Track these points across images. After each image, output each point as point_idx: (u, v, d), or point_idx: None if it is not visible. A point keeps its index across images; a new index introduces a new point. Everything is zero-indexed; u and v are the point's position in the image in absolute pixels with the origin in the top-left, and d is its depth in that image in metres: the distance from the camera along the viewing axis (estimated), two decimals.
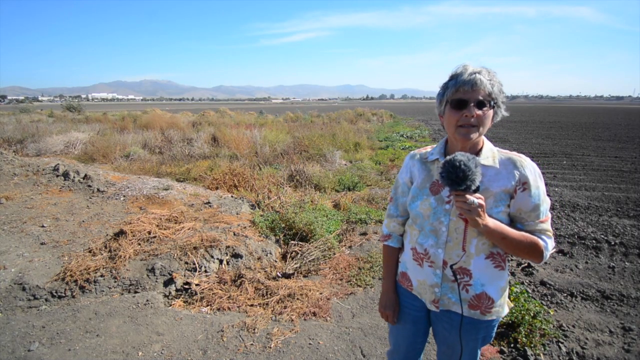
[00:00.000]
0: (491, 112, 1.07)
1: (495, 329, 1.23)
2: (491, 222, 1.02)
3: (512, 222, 1.11)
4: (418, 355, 1.40)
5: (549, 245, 1.07)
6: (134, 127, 14.24)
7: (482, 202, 0.98)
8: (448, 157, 0.97)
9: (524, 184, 1.06)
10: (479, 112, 1.03)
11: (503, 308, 1.17)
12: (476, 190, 0.98)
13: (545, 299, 2.91)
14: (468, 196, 0.97)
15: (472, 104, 1.03)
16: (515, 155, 1.11)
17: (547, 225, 1.08)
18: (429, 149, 1.28)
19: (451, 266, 1.12)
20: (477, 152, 1.12)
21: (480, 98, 1.03)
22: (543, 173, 7.56)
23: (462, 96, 1.04)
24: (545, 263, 3.54)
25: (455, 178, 0.94)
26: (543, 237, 1.07)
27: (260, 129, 11.48)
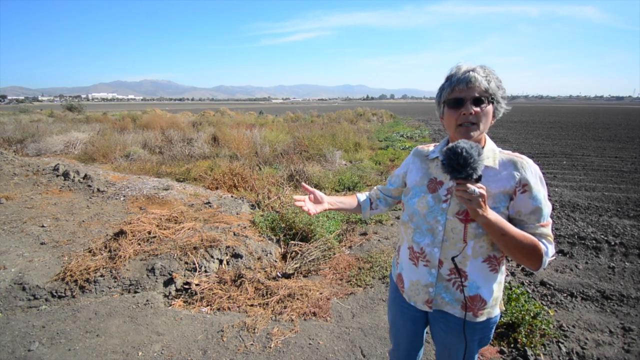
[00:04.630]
0: (490, 108, 1.05)
1: (493, 330, 1.22)
2: (492, 215, 0.98)
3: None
4: (417, 350, 1.42)
5: (550, 250, 1.03)
6: (134, 127, 14.25)
7: (483, 191, 0.94)
8: (450, 144, 0.94)
9: (525, 186, 1.03)
10: (477, 109, 1.02)
11: (494, 309, 1.16)
12: (478, 180, 0.94)
13: (545, 299, 2.91)
14: (469, 185, 0.93)
15: (469, 102, 1.02)
16: (517, 156, 1.08)
17: (548, 230, 1.04)
18: (431, 147, 1.28)
19: (452, 258, 1.10)
20: None
21: (477, 95, 1.02)
22: (543, 173, 7.62)
23: (458, 95, 1.04)
24: None
25: (456, 165, 0.91)
26: (543, 241, 1.03)
27: (260, 129, 11.48)
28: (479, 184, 0.95)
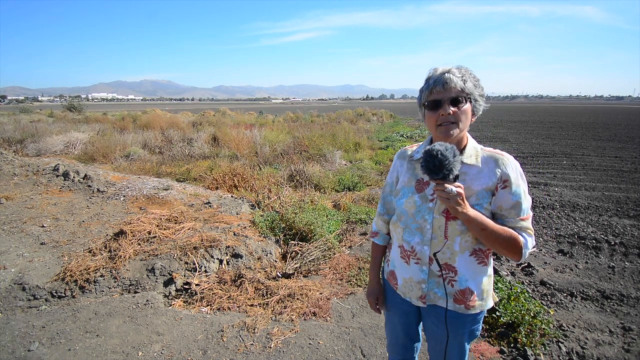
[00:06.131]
0: (468, 106, 1.09)
1: (481, 323, 1.25)
2: (471, 212, 1.04)
3: (494, 219, 1.12)
4: (414, 343, 1.45)
5: (529, 243, 1.08)
6: (134, 127, 14.26)
7: (461, 190, 1.01)
8: (427, 147, 1.01)
9: (505, 182, 1.08)
10: (454, 109, 1.07)
11: (486, 302, 1.19)
12: (456, 179, 1.01)
13: (545, 298, 2.91)
14: (447, 185, 1.00)
15: (446, 103, 1.07)
16: (498, 153, 1.13)
17: (528, 224, 1.10)
18: (415, 147, 1.31)
19: (434, 254, 1.14)
20: (461, 150, 1.15)
21: (454, 95, 1.07)
22: (543, 173, 7.52)
23: (435, 97, 1.08)
24: (545, 263, 3.54)
25: (433, 167, 0.98)
26: (523, 234, 1.08)
27: (260, 129, 11.49)
28: (456, 183, 1.01)
